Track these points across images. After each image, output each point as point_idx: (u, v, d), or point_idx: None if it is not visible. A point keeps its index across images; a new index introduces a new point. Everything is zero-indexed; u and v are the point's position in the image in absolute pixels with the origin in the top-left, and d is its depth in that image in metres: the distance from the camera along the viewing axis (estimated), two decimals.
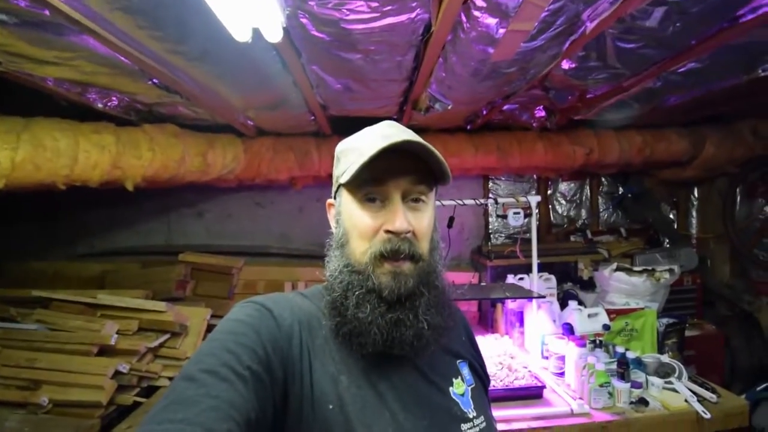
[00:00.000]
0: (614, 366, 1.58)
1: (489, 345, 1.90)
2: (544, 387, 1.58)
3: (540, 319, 1.85)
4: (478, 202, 1.82)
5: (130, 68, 1.24)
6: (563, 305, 2.03)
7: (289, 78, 1.32)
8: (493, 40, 1.07)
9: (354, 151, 0.62)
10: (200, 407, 0.44)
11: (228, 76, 1.26)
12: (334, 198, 0.69)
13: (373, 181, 0.60)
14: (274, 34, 0.85)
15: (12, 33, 1.02)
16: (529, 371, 1.67)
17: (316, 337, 0.60)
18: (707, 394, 1.51)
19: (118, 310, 1.71)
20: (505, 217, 1.68)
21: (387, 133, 0.62)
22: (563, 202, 2.77)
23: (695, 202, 2.82)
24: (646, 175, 2.73)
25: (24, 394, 1.48)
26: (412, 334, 0.59)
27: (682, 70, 1.36)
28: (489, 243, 2.64)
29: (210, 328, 1.95)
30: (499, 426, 1.44)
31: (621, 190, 2.83)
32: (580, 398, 1.56)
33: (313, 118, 1.82)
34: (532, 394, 1.58)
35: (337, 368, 0.59)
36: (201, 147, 1.87)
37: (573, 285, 2.32)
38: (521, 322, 2.12)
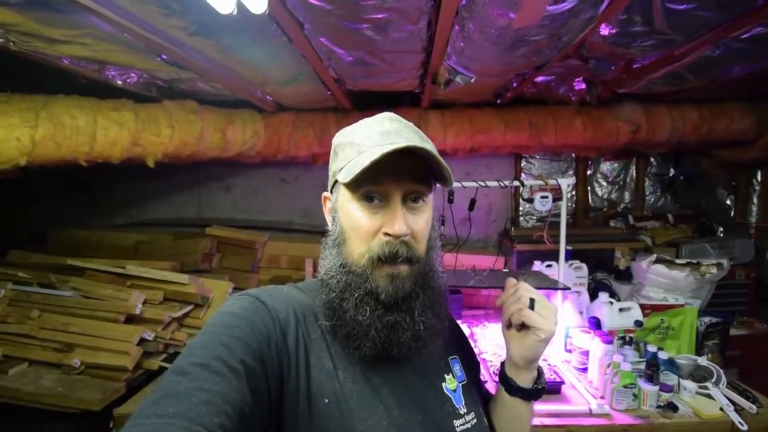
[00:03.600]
0: (643, 366, 1.47)
1: None
2: (562, 383, 1.49)
3: (565, 311, 1.74)
4: (502, 184, 1.70)
5: (137, 45, 1.22)
6: (594, 296, 1.90)
7: (297, 52, 1.25)
8: (513, 3, 0.94)
9: (353, 147, 0.61)
10: (192, 401, 0.43)
11: (233, 51, 1.22)
12: (331, 192, 0.67)
13: (373, 179, 0.58)
14: (257, 4, 0.79)
15: (19, 12, 1.02)
16: (549, 365, 1.59)
17: (312, 331, 0.60)
18: (746, 404, 1.37)
19: (145, 281, 1.79)
20: (531, 201, 1.56)
21: (388, 130, 0.61)
22: (604, 183, 2.56)
23: (757, 188, 2.51)
24: (702, 155, 2.45)
25: (59, 356, 1.60)
26: (409, 336, 0.59)
27: (745, 36, 1.15)
28: (517, 226, 2.50)
29: None
30: None
31: (672, 171, 2.57)
32: (602, 398, 1.47)
33: (330, 93, 1.75)
34: (549, 389, 1.50)
35: (333, 363, 0.59)
36: (220, 123, 1.87)
37: (607, 275, 2.16)
38: None
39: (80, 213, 2.62)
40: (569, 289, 1.63)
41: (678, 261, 1.76)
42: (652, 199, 2.59)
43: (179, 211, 2.61)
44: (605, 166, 2.54)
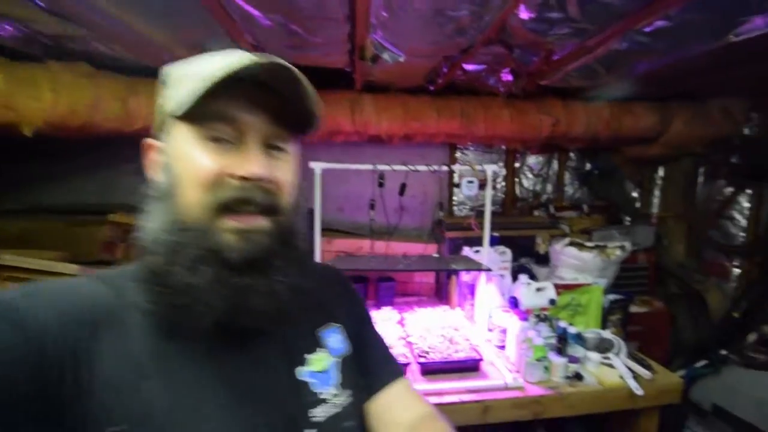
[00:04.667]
0: (554, 341, 1.55)
1: (437, 317, 1.85)
2: (480, 360, 1.54)
3: (489, 292, 1.80)
4: (431, 168, 1.71)
5: None
6: (516, 279, 1.99)
7: (203, 10, 1.15)
8: None
9: (191, 78, 0.46)
10: None
11: (128, 2, 1.09)
12: (159, 138, 0.52)
13: (221, 116, 0.47)
14: None
15: None
16: (470, 344, 1.63)
17: (104, 330, 0.45)
18: (642, 371, 1.50)
19: (24, 272, 1.57)
20: (458, 185, 1.58)
21: (242, 56, 0.48)
22: (530, 176, 2.70)
23: (659, 182, 2.79)
24: (614, 152, 2.67)
25: None
26: (266, 302, 0.48)
27: (648, 29, 1.24)
28: (452, 215, 2.56)
29: None
30: (431, 399, 1.40)
31: (588, 166, 2.77)
32: (517, 371, 1.53)
33: None
34: (469, 366, 1.53)
35: (138, 367, 0.44)
36: (120, 91, 1.68)
37: (529, 260, 2.28)
38: (473, 295, 2.08)
39: None
40: (491, 270, 1.68)
41: (587, 244, 1.90)
42: (571, 191, 2.77)
43: (80, 196, 2.32)
44: (531, 159, 2.68)
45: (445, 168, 1.71)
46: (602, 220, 2.66)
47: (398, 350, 1.53)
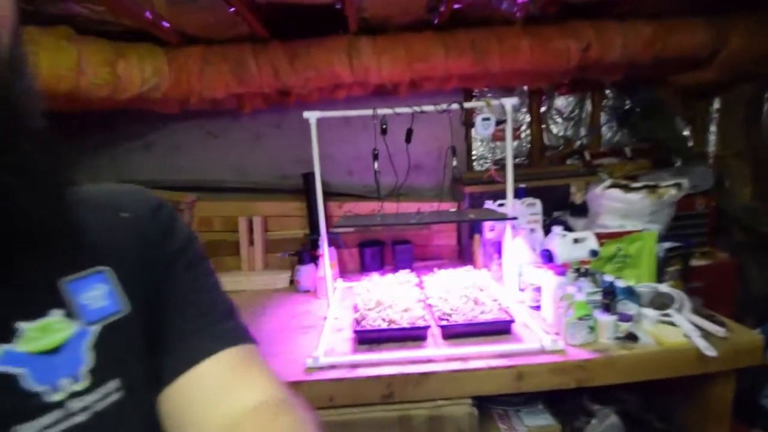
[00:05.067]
0: (599, 297, 1.32)
1: (459, 278, 1.66)
2: (512, 321, 1.34)
3: (517, 248, 1.57)
4: (440, 108, 1.49)
5: None
6: (549, 234, 1.75)
7: None
8: None
9: None
10: None
11: None
12: None
13: None
14: None
15: None
16: (499, 305, 1.43)
17: None
18: (714, 328, 1.25)
19: None
20: (472, 125, 1.36)
21: None
22: (559, 120, 2.40)
23: (714, 116, 2.41)
24: (658, 84, 2.31)
25: None
26: None
27: None
28: (472, 170, 2.32)
29: None
30: (454, 365, 1.23)
31: (628, 103, 2.43)
32: (556, 334, 1.32)
33: (233, 9, 1.47)
34: (498, 329, 1.34)
35: None
36: (107, 55, 1.56)
37: (563, 213, 2.02)
38: (499, 253, 1.86)
39: None
40: (516, 219, 1.46)
41: (633, 185, 1.62)
42: (609, 134, 2.45)
43: (93, 176, 2.28)
44: (560, 101, 2.38)
45: (455, 107, 1.49)
46: (648, 165, 2.34)
47: (416, 313, 1.35)
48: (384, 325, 1.31)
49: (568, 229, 1.76)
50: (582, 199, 1.98)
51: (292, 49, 1.77)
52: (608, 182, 1.66)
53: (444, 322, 1.34)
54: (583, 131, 2.41)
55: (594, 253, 1.48)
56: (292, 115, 2.16)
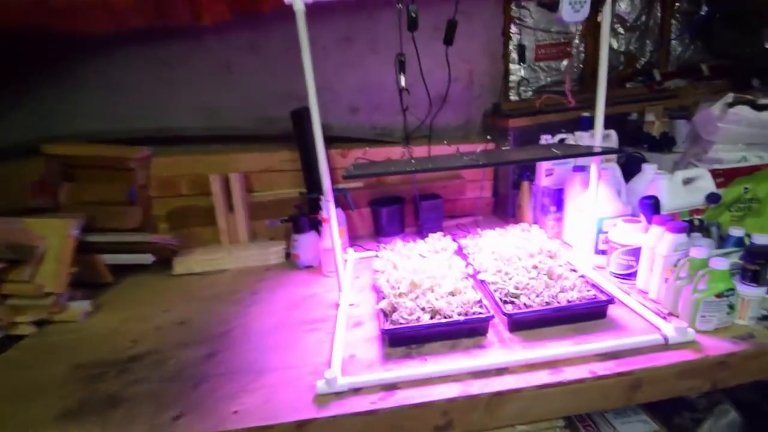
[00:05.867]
0: (741, 261, 0.90)
1: (513, 241, 1.23)
2: (611, 301, 0.92)
3: (595, 195, 1.13)
4: None
5: None
6: (627, 174, 1.30)
7: None
8: None
9: None
10: None
11: None
12: None
13: None
14: None
15: None
16: (584, 278, 1.01)
17: None
18: None
19: None
20: (553, 6, 0.86)
21: None
22: (621, 30, 1.87)
23: None
24: None
25: None
26: None
27: None
28: (508, 101, 1.83)
29: (85, 246, 1.31)
30: (541, 376, 0.83)
31: (705, 9, 1.90)
32: (670, 315, 0.91)
33: None
34: (591, 311, 0.93)
35: None
36: None
37: (637, 148, 1.56)
38: (559, 205, 1.42)
39: None
40: (620, 152, 1.01)
41: (763, 100, 1.15)
42: (679, 50, 1.94)
43: (21, 132, 1.76)
44: (622, 5, 1.84)
45: None
46: (726, 87, 1.85)
47: (468, 296, 0.93)
48: (426, 319, 0.90)
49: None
50: (662, 130, 1.51)
51: None
52: (730, 97, 1.19)
53: (511, 308, 0.93)
54: (649, 45, 1.89)
55: (714, 198, 1.04)
56: (270, 30, 1.63)
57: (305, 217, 1.40)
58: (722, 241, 1.02)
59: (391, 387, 0.79)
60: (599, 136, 1.06)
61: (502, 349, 0.87)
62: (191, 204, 1.61)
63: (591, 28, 1.82)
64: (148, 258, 1.47)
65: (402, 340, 0.91)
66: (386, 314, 0.95)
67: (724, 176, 1.08)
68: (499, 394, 0.76)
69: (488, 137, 1.54)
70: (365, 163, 1.08)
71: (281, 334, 1.03)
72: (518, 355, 0.82)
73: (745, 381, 0.83)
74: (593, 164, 1.07)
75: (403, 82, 0.97)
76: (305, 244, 1.40)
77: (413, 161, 0.97)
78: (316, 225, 1.42)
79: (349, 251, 1.46)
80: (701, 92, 1.81)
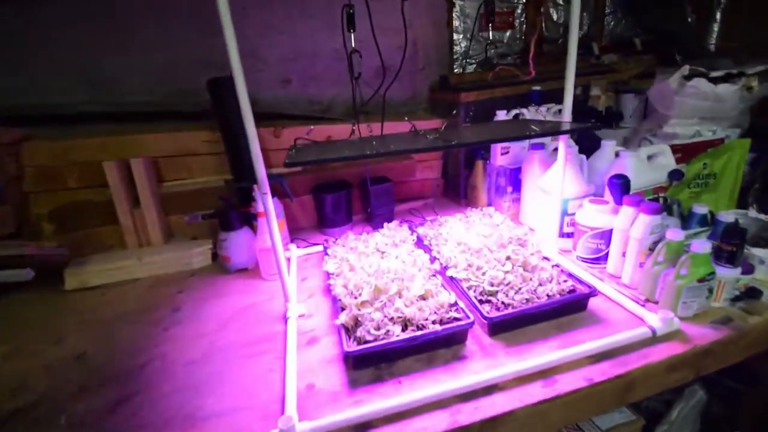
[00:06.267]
0: (716, 242, 0.87)
1: (478, 229, 1.12)
2: (594, 293, 0.85)
3: (562, 175, 1.05)
4: None
5: None
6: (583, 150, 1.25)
7: None
8: None
9: None
10: None
11: None
12: None
13: None
14: None
15: None
16: (558, 267, 0.93)
17: None
18: None
19: None
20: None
21: None
22: (560, 2, 1.82)
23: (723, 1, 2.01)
24: None
25: None
26: None
27: None
28: (452, 73, 1.70)
29: None
30: (533, 390, 0.71)
31: None
32: (647, 301, 0.87)
33: None
34: (571, 303, 0.86)
35: None
36: None
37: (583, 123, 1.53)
38: (515, 186, 1.34)
39: None
40: (598, 127, 0.92)
41: (714, 73, 1.14)
42: (612, 23, 1.95)
43: None
44: None
45: None
46: (654, 62, 1.91)
47: (441, 299, 0.80)
48: (397, 332, 0.75)
49: (595, 143, 1.27)
50: (607, 103, 1.49)
51: None
52: (686, 70, 1.16)
53: (489, 309, 0.81)
54: (586, 18, 1.88)
55: (677, 174, 1.01)
56: None
57: (234, 211, 1.16)
58: (684, 219, 1.00)
59: (363, 428, 0.64)
60: (568, 111, 0.97)
61: (485, 360, 0.76)
62: (85, 199, 1.27)
63: (532, 3, 1.74)
64: (25, 274, 1.14)
65: (370, 361, 0.76)
66: (348, 330, 0.78)
67: (683, 152, 1.07)
68: (492, 420, 0.65)
69: (454, 112, 1.39)
70: (309, 146, 0.88)
71: (215, 364, 0.82)
72: (507, 367, 0.71)
73: (726, 365, 0.82)
74: (561, 142, 0.98)
75: (353, 42, 0.78)
76: (236, 243, 1.17)
77: (374, 143, 0.79)
78: (248, 220, 1.19)
79: (291, 248, 1.26)
80: (632, 67, 1.84)
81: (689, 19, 2.02)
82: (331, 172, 1.43)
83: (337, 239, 1.16)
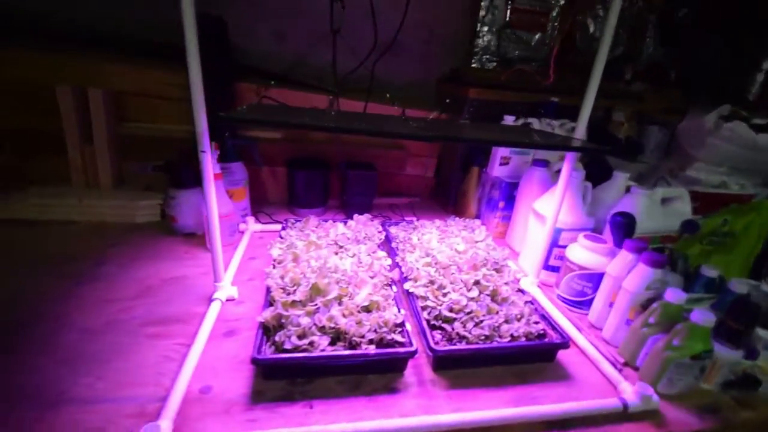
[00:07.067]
0: (719, 314, 0.74)
1: (453, 240, 0.98)
2: (565, 344, 0.72)
3: (560, 201, 0.91)
4: None
5: None
6: (592, 177, 1.11)
7: None
8: None
9: None
10: None
11: None
12: None
13: None
14: None
15: None
16: (533, 304, 0.80)
17: None
18: None
19: None
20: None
21: None
22: (600, 14, 1.66)
23: None
24: None
25: None
26: None
27: None
28: (469, 66, 1.55)
29: None
30: None
31: (684, 11, 1.75)
32: (626, 365, 0.74)
33: None
34: (537, 351, 0.73)
35: None
36: None
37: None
38: (509, 202, 1.21)
39: None
40: (610, 152, 0.79)
41: (756, 120, 1.00)
42: (651, 48, 1.79)
43: None
44: None
45: None
46: (684, 100, 1.75)
47: (388, 316, 0.67)
48: (324, 345, 0.62)
49: (606, 173, 1.13)
50: (628, 133, 1.35)
51: None
52: (726, 110, 1.02)
53: (439, 339, 0.69)
54: (623, 37, 1.71)
55: (692, 226, 0.88)
56: None
57: (189, 168, 1.03)
58: (688, 278, 0.87)
59: None
60: (582, 128, 0.83)
61: (420, 399, 0.63)
62: (34, 126, 1.14)
63: (570, 4, 1.57)
64: None
65: (285, 373, 0.63)
66: (268, 330, 0.66)
67: (703, 201, 0.93)
68: None
69: (446, 101, 1.25)
70: (275, 107, 0.74)
71: (112, 338, 0.70)
72: (444, 416, 0.59)
73: None
74: (566, 163, 0.85)
75: None
76: (187, 203, 1.04)
77: (333, 114, 0.65)
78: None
79: (249, 221, 1.13)
80: (660, 100, 1.69)
81: (733, 64, 1.85)
82: (314, 147, 1.30)
83: (297, 221, 1.03)
